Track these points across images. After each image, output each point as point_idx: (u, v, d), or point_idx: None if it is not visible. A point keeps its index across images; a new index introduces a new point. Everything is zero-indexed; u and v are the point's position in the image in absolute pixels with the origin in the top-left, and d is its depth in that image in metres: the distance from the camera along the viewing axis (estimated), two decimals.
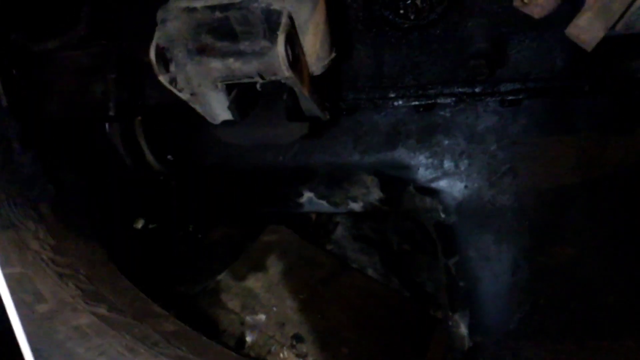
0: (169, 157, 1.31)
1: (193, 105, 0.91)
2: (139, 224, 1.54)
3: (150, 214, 1.54)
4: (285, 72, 0.74)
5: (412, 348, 1.78)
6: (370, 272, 2.16)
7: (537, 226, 0.99)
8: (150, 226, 1.56)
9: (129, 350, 0.77)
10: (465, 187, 1.04)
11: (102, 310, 0.82)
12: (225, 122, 0.95)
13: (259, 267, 1.96)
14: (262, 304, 1.77)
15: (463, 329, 1.06)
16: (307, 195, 1.23)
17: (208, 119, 0.95)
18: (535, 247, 0.99)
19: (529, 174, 1.00)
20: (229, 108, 0.90)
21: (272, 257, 2.05)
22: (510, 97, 0.95)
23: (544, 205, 0.99)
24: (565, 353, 0.97)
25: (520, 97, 0.94)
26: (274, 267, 1.98)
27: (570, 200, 0.98)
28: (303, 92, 0.83)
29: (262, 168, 1.19)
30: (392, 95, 1.01)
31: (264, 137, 0.93)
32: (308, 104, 0.91)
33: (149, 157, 1.31)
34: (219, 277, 1.80)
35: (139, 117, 1.29)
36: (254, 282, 1.86)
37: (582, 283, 0.98)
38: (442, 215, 1.07)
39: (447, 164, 1.05)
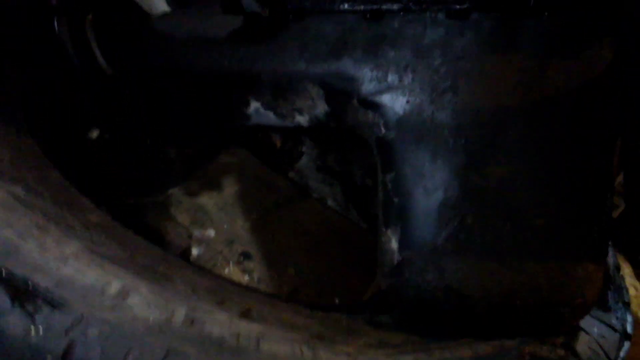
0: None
1: None
2: (94, 134, 1.51)
3: (105, 124, 1.51)
4: None
5: (362, 276, 1.79)
6: (330, 202, 2.16)
7: (473, 145, 0.98)
8: (105, 137, 1.53)
9: (39, 227, 0.75)
10: (407, 102, 1.02)
11: (18, 190, 0.80)
12: (163, 14, 0.92)
13: (213, 185, 1.95)
14: (213, 220, 1.77)
15: (394, 244, 1.06)
16: (254, 104, 1.21)
17: (145, 9, 0.91)
18: (468, 166, 0.99)
19: (469, 91, 0.98)
20: None
21: (228, 177, 2.04)
22: (456, 7, 0.92)
23: (481, 125, 0.98)
24: (488, 271, 0.98)
25: (466, 6, 0.92)
26: (230, 187, 1.97)
27: (507, 122, 0.97)
28: None
29: (207, 72, 1.16)
30: None
31: (196, 28, 0.90)
32: None
33: (100, 59, 1.27)
34: (171, 191, 1.79)
35: (90, 16, 1.25)
36: (207, 200, 1.85)
37: (512, 204, 0.98)
38: (383, 130, 1.06)
39: (391, 78, 1.03)
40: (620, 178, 1.28)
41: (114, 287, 0.72)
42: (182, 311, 0.75)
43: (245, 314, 0.82)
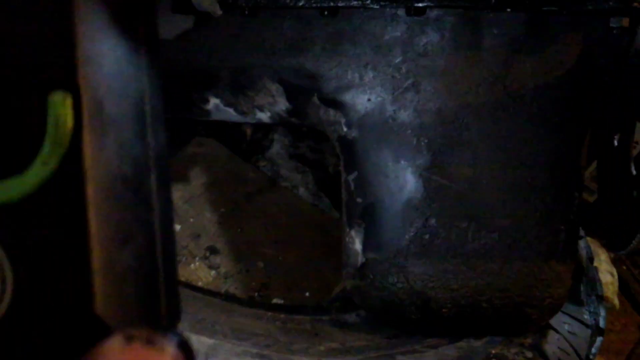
0: None
1: None
2: None
3: None
4: None
5: (333, 266, 1.77)
6: (301, 191, 2.13)
7: (436, 145, 0.96)
8: None
9: None
10: (369, 100, 0.99)
11: None
12: None
13: (180, 178, 1.91)
14: (179, 214, 1.73)
15: (358, 245, 1.04)
16: (214, 101, 1.17)
17: None
18: (432, 166, 0.97)
19: (432, 89, 0.95)
20: None
21: (196, 169, 2.00)
22: (416, 4, 0.89)
23: (444, 124, 0.95)
24: (452, 272, 0.97)
25: (426, 4, 0.88)
26: (197, 179, 1.93)
27: (470, 120, 0.95)
28: None
29: (163, 68, 1.11)
30: None
31: None
32: None
33: None
34: None
35: None
36: (173, 193, 1.80)
37: (477, 204, 0.96)
38: (345, 129, 1.03)
39: (352, 75, 1.00)
40: (594, 165, 1.26)
41: None
42: None
43: (197, 327, 0.79)
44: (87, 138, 0.31)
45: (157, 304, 0.35)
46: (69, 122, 0.31)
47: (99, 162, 0.32)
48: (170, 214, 0.37)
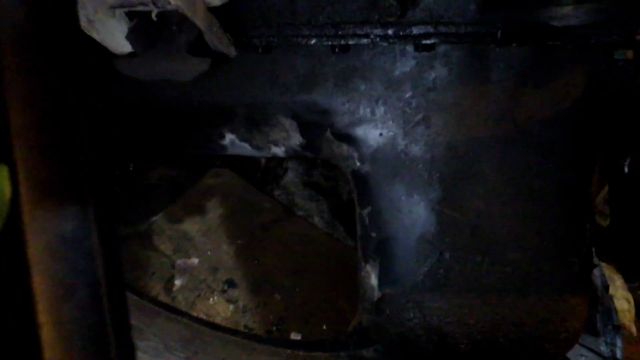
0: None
1: (90, 34, 0.85)
2: None
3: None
4: (169, 0, 0.69)
5: (349, 296, 1.77)
6: (316, 219, 2.14)
7: (448, 178, 0.97)
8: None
9: None
10: (380, 134, 1.00)
11: None
12: (128, 54, 0.89)
13: (197, 210, 1.93)
14: (197, 247, 1.74)
15: (374, 280, 1.04)
16: (229, 137, 1.19)
17: (110, 49, 0.89)
18: (444, 200, 0.97)
19: (442, 123, 0.96)
20: (127, 38, 0.85)
21: (212, 200, 2.01)
22: (424, 42, 0.91)
23: (455, 157, 0.96)
24: (468, 307, 0.96)
25: (433, 41, 0.90)
26: (214, 211, 1.94)
27: (481, 153, 0.95)
28: (198, 25, 0.78)
29: (179, 106, 1.14)
30: (306, 33, 0.96)
31: (161, 71, 0.88)
32: (212, 38, 0.86)
33: None
34: (154, 218, 1.77)
35: None
36: (190, 226, 1.82)
37: (489, 238, 0.96)
38: (358, 164, 1.04)
39: (363, 110, 1.01)
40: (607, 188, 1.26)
41: None
42: None
43: None
44: (26, 204, 0.33)
45: (107, 352, 0.37)
46: (7, 192, 0.33)
47: (38, 224, 0.33)
48: (117, 265, 0.38)
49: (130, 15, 0.86)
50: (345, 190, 2.22)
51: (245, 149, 1.21)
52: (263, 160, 2.34)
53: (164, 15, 0.83)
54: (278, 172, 2.32)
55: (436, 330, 0.96)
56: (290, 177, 2.29)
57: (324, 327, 1.59)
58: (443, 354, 0.98)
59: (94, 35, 0.88)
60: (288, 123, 1.10)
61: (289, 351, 0.98)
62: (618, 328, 1.31)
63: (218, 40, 0.85)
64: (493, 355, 0.97)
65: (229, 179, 2.11)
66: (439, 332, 0.96)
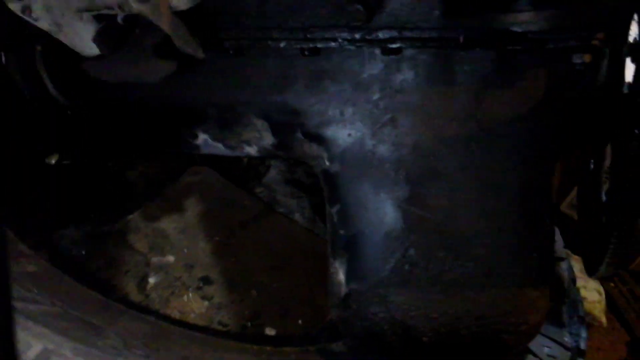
0: None
1: (57, 37, 0.87)
2: (52, 160, 1.49)
3: (65, 149, 1.50)
4: (132, 5, 0.71)
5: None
6: (297, 216, 2.15)
7: (413, 177, 1.00)
8: (64, 162, 1.51)
9: None
10: (349, 135, 1.03)
11: None
12: (97, 57, 0.91)
13: (175, 208, 1.94)
14: (173, 245, 1.76)
15: (341, 276, 1.07)
16: (202, 137, 1.21)
17: (78, 52, 0.91)
18: (410, 198, 1.00)
19: (408, 124, 0.99)
20: (94, 41, 0.87)
21: (191, 198, 2.02)
22: (390, 45, 0.94)
23: (421, 157, 0.99)
24: (431, 301, 1.00)
25: (399, 45, 0.93)
26: (192, 208, 1.96)
27: (446, 153, 0.99)
28: (163, 28, 0.80)
29: (153, 106, 1.16)
30: (277, 36, 0.98)
31: (128, 73, 0.90)
32: (178, 41, 0.88)
33: (52, 90, 1.26)
34: (130, 217, 1.78)
35: (39, 47, 1.23)
36: (167, 224, 1.84)
37: (453, 234, 1.00)
38: (327, 163, 1.07)
39: (333, 111, 1.04)
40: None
41: (34, 350, 0.71)
42: None
43: None
44: None
45: None
46: None
47: None
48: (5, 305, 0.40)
49: (98, 18, 0.88)
50: None
51: (219, 148, 1.24)
52: (245, 158, 2.35)
53: (131, 18, 0.85)
54: (260, 170, 2.34)
55: (401, 324, 0.99)
56: (273, 174, 2.31)
57: (300, 322, 1.61)
58: (407, 347, 1.01)
59: (62, 38, 0.90)
60: (260, 123, 1.12)
61: (256, 347, 1.01)
62: (583, 319, 1.35)
63: (185, 43, 0.87)
64: (455, 347, 1.01)
65: (208, 177, 2.12)
66: (404, 325, 0.99)
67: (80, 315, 0.82)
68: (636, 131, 0.81)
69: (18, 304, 0.76)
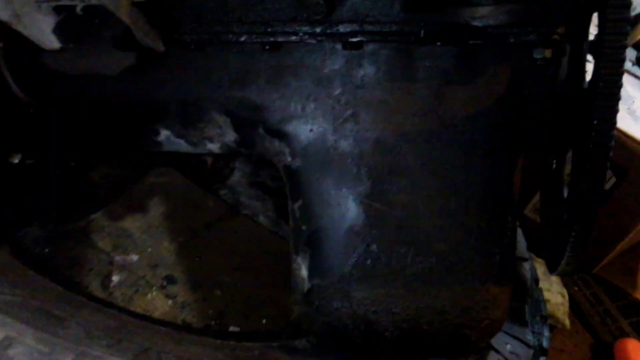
0: None
1: (17, 29, 0.85)
2: (15, 159, 1.46)
3: (27, 149, 1.47)
4: None
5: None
6: (261, 218, 2.14)
7: (375, 173, 1.00)
8: (28, 161, 1.48)
9: None
10: (311, 130, 1.03)
11: None
12: (57, 49, 0.89)
13: (139, 208, 1.91)
14: (137, 244, 1.73)
15: (304, 272, 1.06)
16: (164, 133, 1.19)
17: (38, 44, 0.89)
18: (372, 194, 1.00)
19: (370, 120, 0.99)
20: (54, 32, 0.85)
21: (155, 199, 2.00)
22: (351, 40, 0.94)
23: (382, 153, 0.99)
24: (393, 296, 1.00)
25: (360, 39, 0.93)
26: (155, 209, 1.93)
27: (407, 149, 0.99)
28: (122, 18, 0.79)
29: (112, 102, 1.14)
30: (237, 30, 0.98)
31: (88, 65, 0.88)
32: (138, 33, 0.87)
33: (13, 86, 1.23)
34: (93, 216, 1.75)
35: (0, 44, 1.20)
36: (130, 223, 1.81)
37: (414, 230, 1.00)
38: (289, 159, 1.06)
39: (294, 107, 1.03)
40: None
41: None
42: (68, 359, 0.73)
43: (141, 357, 0.81)
44: None
45: None
46: None
47: None
48: None
49: (58, 9, 0.86)
50: None
51: (181, 145, 1.22)
52: (209, 160, 2.33)
53: (90, 8, 0.84)
54: (224, 172, 2.32)
55: (363, 319, 0.99)
56: (237, 177, 2.29)
57: (264, 322, 1.60)
58: (370, 342, 1.01)
59: (21, 29, 0.88)
60: (222, 119, 1.11)
61: (219, 342, 1.00)
62: (546, 319, 1.37)
63: (144, 35, 0.86)
64: (418, 342, 1.01)
65: (172, 178, 2.10)
66: (366, 320, 0.99)
67: (42, 306, 0.81)
68: (595, 124, 0.82)
69: None
